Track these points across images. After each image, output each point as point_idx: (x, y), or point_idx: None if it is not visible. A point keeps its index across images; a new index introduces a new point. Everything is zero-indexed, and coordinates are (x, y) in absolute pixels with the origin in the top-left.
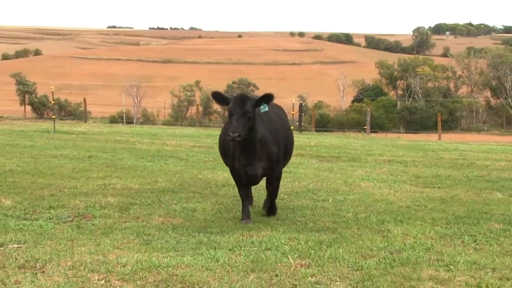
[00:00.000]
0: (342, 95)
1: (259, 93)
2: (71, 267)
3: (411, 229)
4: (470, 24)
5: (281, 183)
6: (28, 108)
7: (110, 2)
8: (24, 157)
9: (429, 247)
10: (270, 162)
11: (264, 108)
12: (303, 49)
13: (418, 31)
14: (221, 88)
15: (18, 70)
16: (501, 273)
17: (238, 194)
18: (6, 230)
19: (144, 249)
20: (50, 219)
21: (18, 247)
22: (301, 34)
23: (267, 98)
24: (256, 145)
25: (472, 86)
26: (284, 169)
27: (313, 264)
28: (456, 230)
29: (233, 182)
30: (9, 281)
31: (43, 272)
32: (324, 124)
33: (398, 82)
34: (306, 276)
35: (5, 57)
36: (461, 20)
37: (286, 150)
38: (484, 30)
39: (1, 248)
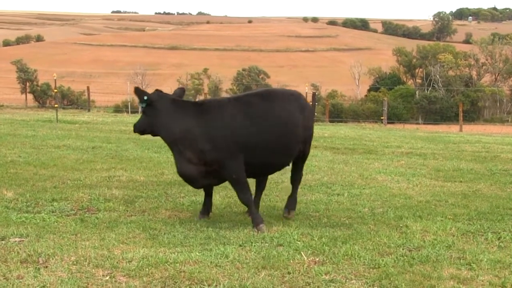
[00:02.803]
0: (357, 83)
1: (270, 81)
2: (75, 262)
3: (431, 225)
4: (494, 8)
5: None
6: (30, 96)
7: None
8: (26, 147)
9: (450, 244)
10: (204, 162)
11: (142, 104)
12: (316, 35)
13: (438, 16)
14: (230, 76)
15: (19, 57)
16: None
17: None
18: (8, 223)
19: (151, 244)
20: (53, 212)
21: (20, 240)
22: (315, 20)
23: (138, 94)
24: (174, 144)
25: (496, 75)
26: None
27: (327, 261)
28: (479, 227)
29: None
30: (11, 276)
31: (46, 267)
32: (338, 114)
33: (417, 70)
34: (320, 274)
35: (6, 43)
36: (485, 5)
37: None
38: (510, 15)
39: (3, 242)
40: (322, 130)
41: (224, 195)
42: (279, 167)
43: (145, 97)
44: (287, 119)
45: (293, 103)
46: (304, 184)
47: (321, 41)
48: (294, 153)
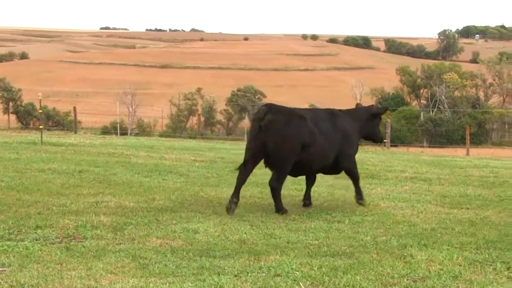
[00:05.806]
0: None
1: (267, 101)
2: None
3: (436, 254)
4: (502, 26)
5: (293, 201)
6: (13, 117)
7: (103, 1)
8: (8, 171)
9: (456, 274)
10: None
11: None
12: (316, 54)
13: (444, 34)
14: (225, 96)
15: (2, 75)
16: None
17: (237, 214)
18: None
19: (141, 274)
20: (36, 240)
21: (2, 270)
22: (314, 37)
23: None
24: None
25: (504, 96)
26: (296, 186)
27: None
28: (487, 256)
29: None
30: None
31: None
32: None
33: (421, 91)
34: None
35: None
36: (493, 23)
37: None
38: None
39: None
40: None
41: (218, 222)
42: None
43: None
44: None
45: None
46: (302, 210)
47: (321, 59)
48: None
